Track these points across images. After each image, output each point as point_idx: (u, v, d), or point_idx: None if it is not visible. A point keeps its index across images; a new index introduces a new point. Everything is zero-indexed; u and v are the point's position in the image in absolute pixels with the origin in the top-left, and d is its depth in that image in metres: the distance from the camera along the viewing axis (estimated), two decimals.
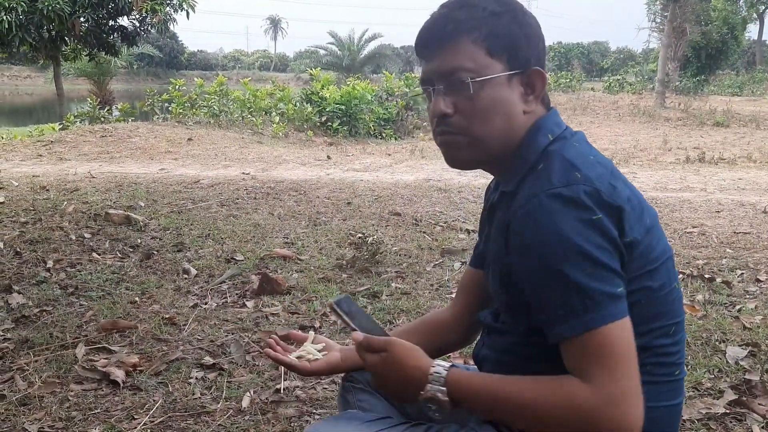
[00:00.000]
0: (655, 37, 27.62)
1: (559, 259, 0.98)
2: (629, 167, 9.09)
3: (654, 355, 1.10)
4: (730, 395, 2.20)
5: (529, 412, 1.02)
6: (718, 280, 3.49)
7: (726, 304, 3.18)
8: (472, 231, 4.58)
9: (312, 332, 1.43)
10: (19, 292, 3.15)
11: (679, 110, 19.82)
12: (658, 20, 24.46)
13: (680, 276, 3.59)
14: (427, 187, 6.64)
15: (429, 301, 3.19)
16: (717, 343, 2.67)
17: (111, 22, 15.18)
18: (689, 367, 2.44)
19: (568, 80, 30.80)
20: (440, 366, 1.07)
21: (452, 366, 1.08)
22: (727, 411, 2.11)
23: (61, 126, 11.75)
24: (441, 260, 3.92)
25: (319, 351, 1.39)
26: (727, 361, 2.49)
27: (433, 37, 1.12)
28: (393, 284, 3.43)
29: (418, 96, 15.16)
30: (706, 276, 3.54)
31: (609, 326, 0.98)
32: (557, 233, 0.98)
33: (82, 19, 14.48)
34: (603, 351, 0.98)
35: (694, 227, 4.91)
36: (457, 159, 1.15)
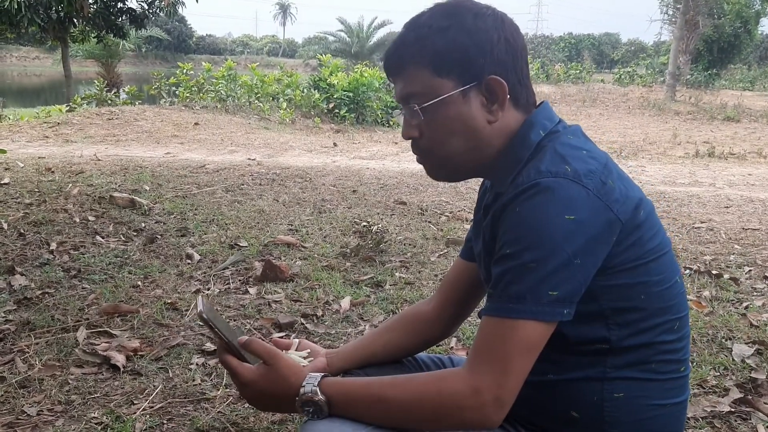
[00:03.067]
0: (667, 30, 27.47)
1: (528, 246, 0.97)
2: (638, 160, 9.02)
3: (658, 352, 1.08)
4: (736, 393, 2.17)
5: (407, 407, 1.02)
6: (726, 276, 3.45)
7: (733, 301, 3.15)
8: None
9: (296, 339, 1.39)
10: (22, 274, 3.13)
11: (689, 104, 19.67)
12: (671, 12, 24.25)
13: (687, 272, 3.55)
14: None
15: (432, 292, 3.15)
16: (723, 340, 2.64)
17: (119, 4, 15.17)
18: (694, 364, 2.41)
19: (578, 71, 30.60)
20: (317, 374, 1.10)
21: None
22: (732, 409, 2.08)
23: (68, 108, 11.74)
24: (446, 250, 3.89)
25: (305, 357, 1.36)
26: (733, 359, 2.46)
27: (388, 64, 1.14)
28: (397, 274, 3.41)
29: None
30: (714, 272, 3.50)
31: (527, 322, 0.98)
32: (535, 224, 0.97)
33: (90, 0, 14.47)
34: (500, 342, 0.98)
35: (702, 222, 4.87)
36: (436, 176, 1.19)
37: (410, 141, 1.16)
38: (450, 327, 1.43)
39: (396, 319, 1.46)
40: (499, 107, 1.09)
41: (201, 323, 1.12)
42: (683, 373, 1.13)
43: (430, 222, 4.61)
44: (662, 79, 25.71)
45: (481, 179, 1.28)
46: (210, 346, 2.45)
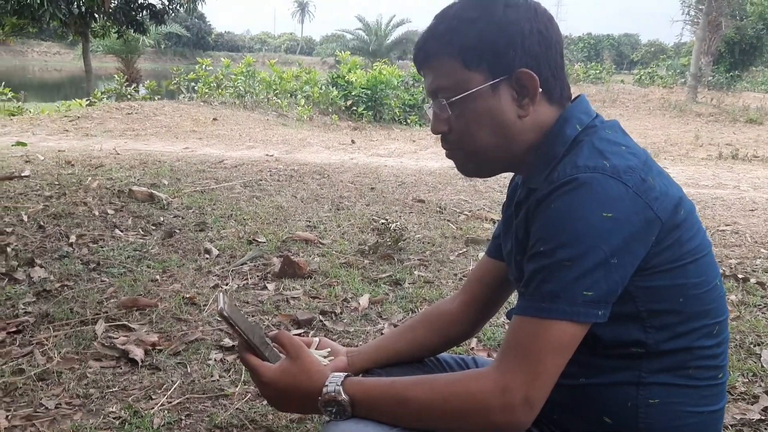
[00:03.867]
0: (688, 30, 27.12)
1: (563, 244, 0.93)
2: (659, 162, 8.87)
3: (696, 358, 1.04)
4: (766, 401, 2.11)
5: (432, 408, 0.99)
6: (753, 280, 3.38)
7: (760, 305, 3.07)
8: (498, 220, 4.49)
9: (316, 338, 1.36)
10: (42, 266, 3.14)
11: (711, 105, 19.42)
12: (693, 13, 23.96)
13: None
14: (452, 174, 6.54)
15: (452, 291, 3.12)
16: (751, 346, 2.57)
17: (140, 0, 15.28)
18: None
19: (597, 72, 30.35)
20: (340, 373, 1.08)
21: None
22: (762, 417, 2.02)
23: (88, 102, 11.83)
24: (465, 249, 3.84)
25: (325, 356, 1.33)
26: (762, 365, 2.40)
27: (418, 57, 1.11)
28: (416, 272, 3.37)
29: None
30: (740, 276, 3.43)
31: (560, 323, 0.94)
32: (570, 220, 0.93)
33: None
34: (531, 342, 0.95)
35: (727, 225, 4.78)
36: (466, 171, 1.15)
37: (439, 136, 1.13)
38: (474, 326, 1.40)
39: (418, 318, 1.43)
40: (530, 101, 1.05)
41: (221, 320, 1.10)
42: (721, 380, 1.08)
43: (448, 220, 4.56)
44: (683, 80, 25.44)
45: (509, 174, 1.24)
46: (228, 341, 2.43)
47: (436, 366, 1.39)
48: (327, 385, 1.05)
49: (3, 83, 12.30)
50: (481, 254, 3.79)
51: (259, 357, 1.13)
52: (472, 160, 1.12)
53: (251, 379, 1.15)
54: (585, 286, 0.93)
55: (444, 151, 1.16)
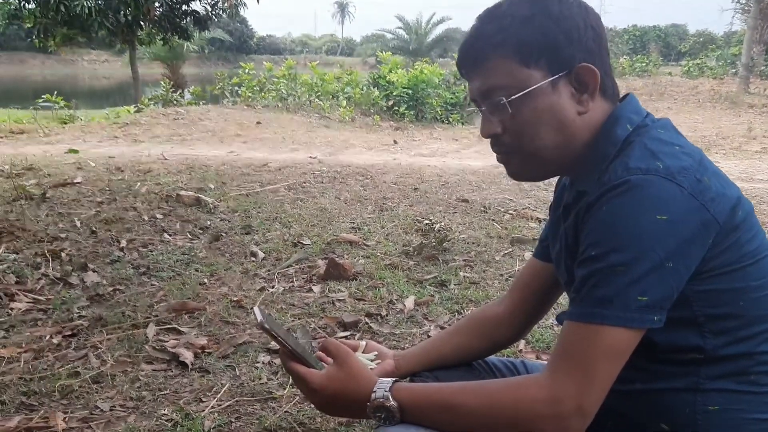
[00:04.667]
0: (739, 19, 26.24)
1: (615, 248, 0.91)
2: (711, 156, 8.62)
3: (758, 363, 1.00)
4: None
5: (482, 415, 0.98)
6: None
7: None
8: (543, 219, 4.43)
9: (363, 342, 1.35)
10: (94, 270, 3.22)
11: (764, 96, 18.75)
12: (744, 1, 23.19)
13: None
14: (495, 173, 6.48)
15: (498, 292, 3.08)
16: None
17: (184, 7, 15.62)
18: None
19: (644, 64, 29.62)
20: (388, 379, 1.07)
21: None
22: None
23: (136, 108, 12.13)
24: (511, 249, 3.79)
25: (372, 359, 1.32)
26: None
27: (467, 57, 1.08)
28: (461, 273, 3.34)
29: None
30: None
31: (613, 329, 0.91)
32: (623, 224, 0.91)
33: (156, 3, 14.97)
34: (584, 349, 0.92)
35: None
36: (519, 175, 1.13)
37: (489, 139, 1.11)
38: (522, 330, 1.39)
39: (465, 322, 1.42)
40: (590, 97, 1.04)
41: (262, 332, 1.11)
42: None
43: (493, 220, 4.51)
44: (734, 70, 24.61)
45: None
46: (275, 344, 2.45)
47: (484, 369, 1.38)
48: (375, 391, 1.05)
49: (55, 92, 12.69)
50: (528, 254, 3.75)
51: (304, 365, 1.13)
52: (529, 162, 1.09)
53: (297, 387, 1.15)
54: (639, 291, 0.90)
55: (494, 153, 1.13)
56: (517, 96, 1.02)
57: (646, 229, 0.90)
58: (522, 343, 2.49)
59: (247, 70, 14.84)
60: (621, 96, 1.11)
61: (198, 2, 15.72)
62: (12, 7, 14.29)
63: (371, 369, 1.28)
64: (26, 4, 14.05)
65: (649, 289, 0.90)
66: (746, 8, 22.63)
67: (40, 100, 12.29)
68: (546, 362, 1.08)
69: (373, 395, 1.05)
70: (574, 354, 0.94)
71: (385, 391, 1.04)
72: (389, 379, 1.08)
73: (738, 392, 1.00)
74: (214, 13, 16.06)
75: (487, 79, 1.05)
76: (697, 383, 1.00)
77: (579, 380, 0.92)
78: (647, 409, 1.05)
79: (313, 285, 3.15)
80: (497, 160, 1.13)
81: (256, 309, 1.10)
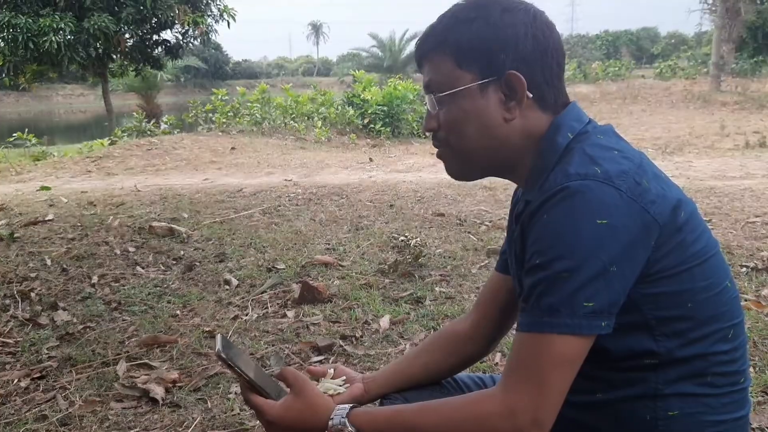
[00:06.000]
0: (707, 19, 26.73)
1: (559, 255, 0.91)
2: (684, 155, 8.75)
3: (713, 364, 1.00)
4: None
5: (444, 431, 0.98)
6: None
7: None
8: None
9: (331, 368, 1.33)
10: (65, 309, 3.16)
11: (736, 93, 19.07)
12: (710, 1, 23.61)
13: (743, 269, 3.37)
14: (471, 185, 6.48)
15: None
16: None
17: (155, 37, 15.61)
18: (757, 369, 2.26)
19: (617, 69, 30.03)
20: (345, 405, 1.08)
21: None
22: None
23: (110, 141, 12.05)
24: (487, 261, 3.79)
25: (341, 384, 1.30)
26: None
27: (417, 52, 1.13)
28: (437, 288, 3.32)
29: None
30: None
31: (562, 337, 0.91)
32: (565, 231, 0.91)
33: (127, 35, 14.96)
34: (535, 359, 0.92)
35: (756, 217, 4.64)
36: (451, 171, 1.15)
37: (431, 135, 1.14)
38: (488, 344, 1.38)
39: (433, 340, 1.41)
40: (518, 105, 1.04)
41: (219, 362, 1.09)
42: (743, 384, 1.04)
43: (469, 232, 4.51)
44: (705, 70, 25.02)
45: (514, 189, 1.22)
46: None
47: (453, 387, 1.37)
48: (332, 418, 1.05)
49: (26, 130, 12.59)
50: None
51: (262, 395, 1.11)
52: (458, 160, 1.11)
53: (257, 418, 1.13)
54: (585, 297, 0.90)
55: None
56: (446, 93, 1.06)
57: (588, 234, 0.89)
58: (498, 356, 2.47)
59: (220, 96, 14.82)
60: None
61: (169, 32, 15.68)
62: None
63: (340, 394, 1.27)
64: None
65: (595, 294, 0.90)
66: (713, 8, 23.03)
67: (11, 139, 12.17)
68: None
69: (330, 422, 1.04)
70: (526, 365, 0.93)
71: (342, 417, 1.04)
72: (346, 405, 1.07)
73: (697, 395, 0.99)
74: (185, 41, 16.05)
75: (427, 74, 1.10)
76: (655, 389, 1.00)
77: (532, 391, 0.92)
78: (609, 418, 1.04)
79: (288, 310, 3.11)
80: (436, 155, 1.15)
81: (218, 336, 1.09)
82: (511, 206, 1.26)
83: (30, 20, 13.01)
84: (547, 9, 1.14)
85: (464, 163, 1.11)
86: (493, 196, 5.82)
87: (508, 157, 1.08)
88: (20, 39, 13.04)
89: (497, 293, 1.33)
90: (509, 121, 1.05)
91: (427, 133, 1.15)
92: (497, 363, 2.43)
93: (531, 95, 1.04)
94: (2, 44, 13.82)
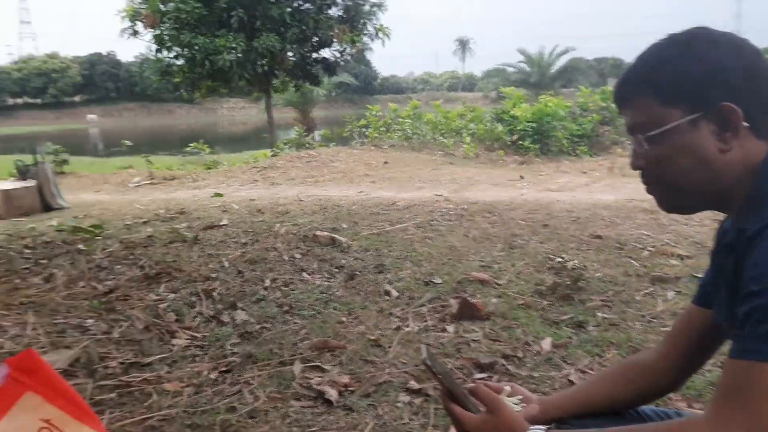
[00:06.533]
0: None
1: None
2: None
3: None
4: None
5: None
6: None
7: None
8: (685, 256, 4.21)
9: (508, 386, 1.37)
10: (243, 309, 3.45)
11: None
12: None
13: None
14: (630, 207, 6.23)
15: (641, 334, 2.96)
16: None
17: (314, 55, 16.52)
18: None
19: None
20: (541, 426, 1.12)
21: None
22: None
23: (272, 153, 12.90)
24: (651, 289, 3.63)
25: (516, 403, 1.33)
26: None
27: (616, 95, 1.15)
28: (599, 314, 3.24)
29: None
30: None
31: None
32: None
33: (290, 53, 15.94)
34: (748, 387, 0.88)
35: None
36: (667, 206, 1.17)
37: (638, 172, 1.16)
38: (677, 379, 1.34)
39: (615, 369, 1.40)
40: (734, 135, 1.04)
41: (425, 369, 1.18)
42: None
43: (630, 257, 4.34)
44: None
45: (718, 219, 1.20)
46: (415, 384, 2.51)
47: (634, 419, 1.35)
48: (530, 428, 1.09)
49: (201, 140, 13.82)
50: (670, 294, 3.57)
51: (461, 406, 1.18)
52: (671, 195, 1.13)
53: (454, 426, 1.20)
54: None
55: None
56: (654, 133, 1.07)
57: None
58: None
59: (374, 112, 15.36)
60: None
61: (327, 50, 16.55)
62: (164, 63, 15.79)
63: (518, 413, 1.30)
64: (176, 61, 15.49)
65: None
66: None
67: (189, 148, 13.39)
68: (698, 411, 1.05)
69: (532, 428, 1.09)
70: (738, 393, 0.91)
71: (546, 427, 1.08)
72: (542, 426, 1.10)
73: None
74: (342, 59, 16.83)
75: (631, 116, 1.12)
76: None
77: (745, 421, 0.89)
78: None
79: (447, 324, 3.19)
80: (646, 191, 1.17)
81: (423, 347, 1.19)
82: (716, 239, 1.24)
83: (207, 40, 14.29)
84: (709, 23, 1.14)
85: (679, 197, 1.11)
86: (655, 220, 5.54)
87: (723, 188, 1.07)
88: (198, 58, 14.37)
89: (692, 326, 1.30)
90: (725, 153, 1.04)
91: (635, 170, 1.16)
92: (671, 397, 2.33)
93: (747, 124, 1.03)
94: (182, 62, 15.27)
